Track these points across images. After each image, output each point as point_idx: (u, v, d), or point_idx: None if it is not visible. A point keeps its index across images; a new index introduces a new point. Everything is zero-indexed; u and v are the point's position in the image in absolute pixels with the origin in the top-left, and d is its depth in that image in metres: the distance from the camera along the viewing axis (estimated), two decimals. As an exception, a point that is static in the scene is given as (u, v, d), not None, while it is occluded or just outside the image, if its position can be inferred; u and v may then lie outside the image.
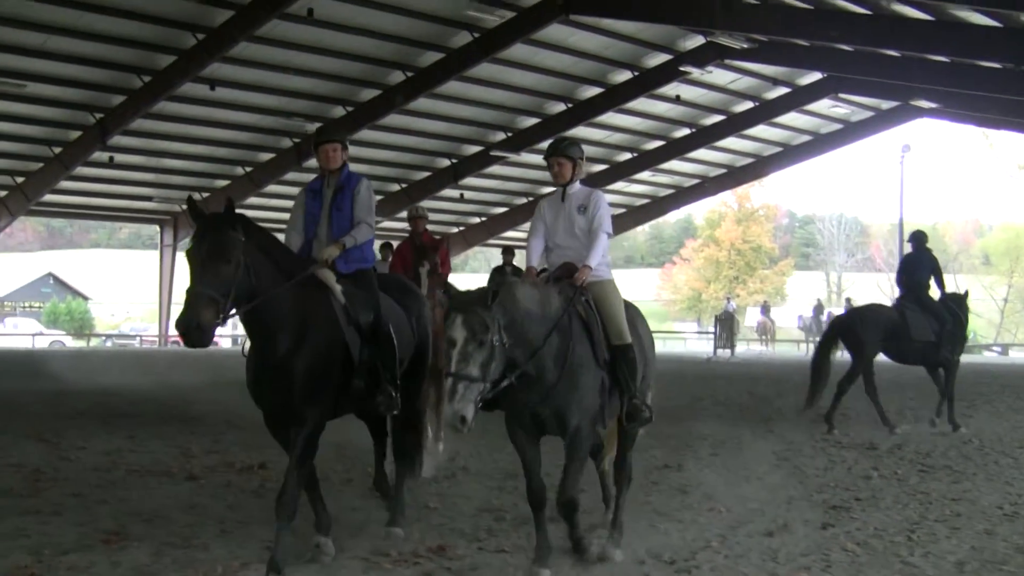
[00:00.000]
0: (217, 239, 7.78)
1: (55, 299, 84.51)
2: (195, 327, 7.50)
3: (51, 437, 14.01)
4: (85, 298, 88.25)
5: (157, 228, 53.21)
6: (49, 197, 44.93)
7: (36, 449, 13.11)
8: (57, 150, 40.58)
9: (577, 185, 9.07)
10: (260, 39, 33.29)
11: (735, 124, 47.12)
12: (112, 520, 9.03)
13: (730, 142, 49.95)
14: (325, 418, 8.44)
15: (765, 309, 62.17)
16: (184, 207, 48.47)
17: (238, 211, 8.15)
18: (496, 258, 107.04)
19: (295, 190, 38.76)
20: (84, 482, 10.88)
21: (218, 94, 36.70)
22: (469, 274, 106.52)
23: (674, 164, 51.77)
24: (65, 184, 43.53)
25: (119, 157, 41.86)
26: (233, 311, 7.93)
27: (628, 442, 9.30)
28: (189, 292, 7.61)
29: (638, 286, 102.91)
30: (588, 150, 38.18)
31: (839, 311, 56.47)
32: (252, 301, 7.95)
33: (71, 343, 63.78)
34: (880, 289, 77.89)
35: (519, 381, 7.86)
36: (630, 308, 9.22)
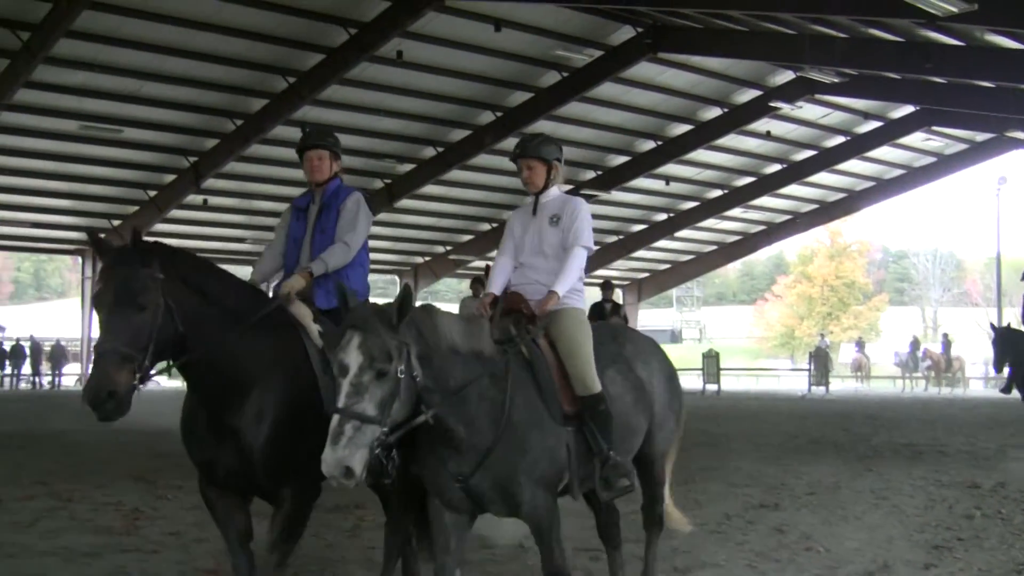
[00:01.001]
0: (125, 280, 6.38)
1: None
2: (106, 396, 6.05)
3: (149, 476, 14.15)
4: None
5: (249, 269, 53.90)
6: (144, 239, 45.45)
7: (135, 488, 13.24)
8: (152, 193, 41.23)
9: (553, 193, 7.75)
10: (350, 81, 33.65)
11: (827, 159, 46.70)
12: (210, 558, 9.07)
13: (822, 177, 49.51)
14: (312, 491, 7.13)
15: (860, 345, 61.36)
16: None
17: (154, 240, 6.89)
18: (588, 297, 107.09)
19: (388, 231, 39.06)
20: (181, 520, 10.95)
21: (309, 137, 37.01)
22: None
23: (765, 200, 51.38)
24: (160, 227, 44.13)
25: (212, 199, 42.42)
26: (154, 371, 6.50)
27: (653, 485, 8.00)
28: (95, 350, 6.23)
29: (730, 323, 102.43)
30: (678, 188, 38.14)
31: (936, 347, 55.91)
32: (186, 353, 6.55)
33: (166, 383, 64.41)
34: (978, 325, 76.57)
35: (442, 440, 6.41)
36: (638, 341, 7.96)
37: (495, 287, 7.58)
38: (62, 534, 10.01)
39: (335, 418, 5.81)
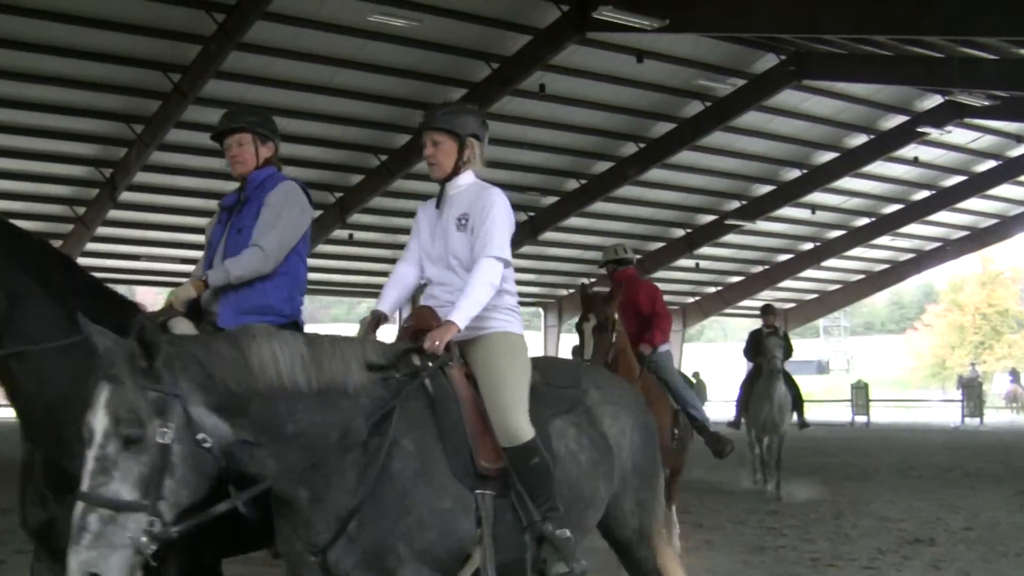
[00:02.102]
0: None
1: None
2: None
3: None
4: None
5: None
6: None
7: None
8: (301, 229, 41.83)
9: (464, 181, 6.23)
10: (493, 115, 33.74)
11: (977, 184, 45.69)
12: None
13: (972, 203, 48.43)
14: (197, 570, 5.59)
15: (1014, 375, 59.83)
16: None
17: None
18: (733, 327, 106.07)
19: (530, 263, 39.16)
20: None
21: (453, 171, 37.32)
22: (704, 343, 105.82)
23: (914, 228, 50.42)
24: (307, 262, 44.82)
25: (358, 234, 42.93)
26: None
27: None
28: None
29: (878, 354, 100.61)
30: (824, 216, 37.51)
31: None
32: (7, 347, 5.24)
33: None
34: None
35: (278, 506, 5.11)
36: (608, 386, 6.33)
37: (385, 303, 6.23)
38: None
39: (77, 506, 4.30)
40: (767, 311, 18.92)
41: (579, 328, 10.01)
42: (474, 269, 5.82)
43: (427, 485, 5.17)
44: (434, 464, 5.24)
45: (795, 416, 17.77)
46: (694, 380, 41.46)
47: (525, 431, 5.44)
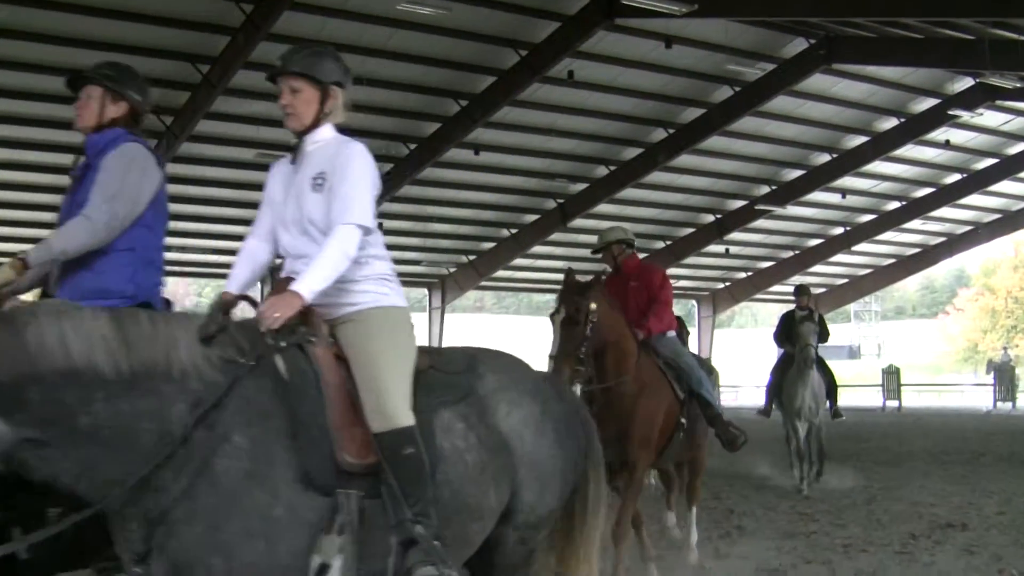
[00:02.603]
0: None
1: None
2: None
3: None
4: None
5: (425, 291, 54.34)
6: None
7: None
8: (332, 217, 41.96)
9: (326, 134, 5.58)
10: (522, 103, 33.82)
11: (1009, 167, 45.39)
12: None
13: (1004, 186, 48.14)
14: None
15: (1048, 359, 59.49)
16: (451, 270, 49.58)
17: None
18: (764, 313, 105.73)
19: (561, 251, 39.29)
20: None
21: (482, 158, 37.40)
22: (735, 329, 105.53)
23: (945, 211, 50.14)
24: (337, 251, 44.98)
25: (388, 223, 42.95)
26: None
27: None
28: None
29: (910, 338, 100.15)
30: (855, 200, 37.37)
31: None
32: None
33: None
34: None
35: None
36: (508, 372, 5.45)
37: (232, 283, 5.37)
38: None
39: None
40: (801, 292, 17.51)
41: (551, 319, 9.28)
42: (330, 236, 5.06)
43: (258, 488, 4.41)
44: (271, 464, 4.48)
45: (828, 404, 16.67)
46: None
47: (402, 414, 4.80)
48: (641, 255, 45.05)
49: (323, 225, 5.15)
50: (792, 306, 17.41)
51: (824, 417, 16.48)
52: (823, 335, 16.38)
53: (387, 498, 4.74)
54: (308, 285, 4.92)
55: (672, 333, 10.04)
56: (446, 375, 5.21)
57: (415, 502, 4.72)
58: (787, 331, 16.64)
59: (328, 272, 4.98)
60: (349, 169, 5.27)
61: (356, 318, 5.13)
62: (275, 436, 4.56)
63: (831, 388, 16.63)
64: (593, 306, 8.87)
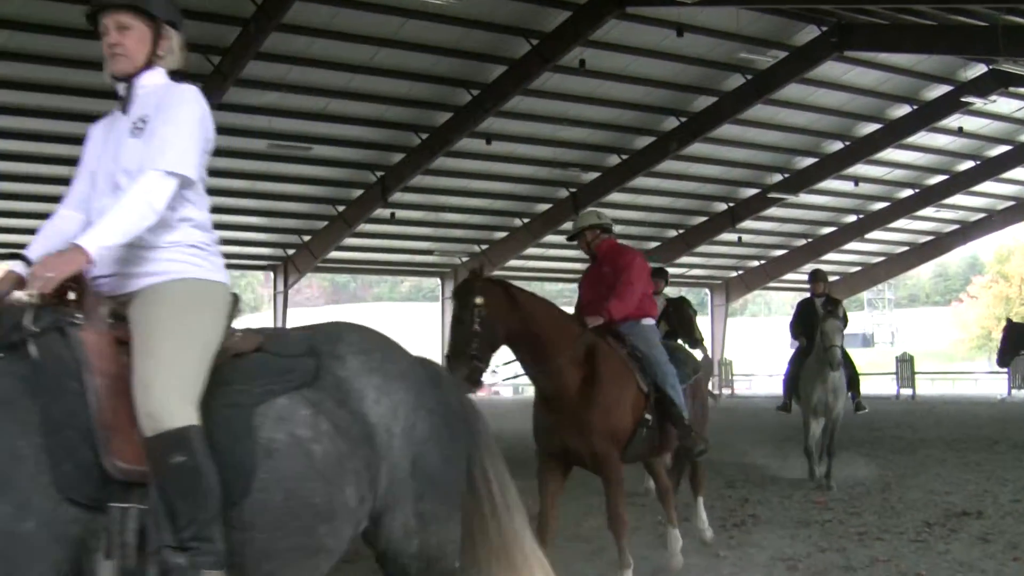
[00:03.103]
0: None
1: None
2: None
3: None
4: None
5: (438, 281, 54.31)
6: (334, 254, 46.55)
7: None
8: (341, 208, 42.02)
9: (157, 79, 4.54)
10: (533, 92, 33.80)
11: (1022, 154, 45.26)
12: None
13: (1018, 173, 47.95)
14: None
15: (1062, 346, 59.25)
16: (464, 260, 49.57)
17: None
18: (777, 301, 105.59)
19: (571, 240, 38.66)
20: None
21: (494, 148, 37.38)
22: (748, 318, 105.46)
23: (958, 199, 50.02)
24: (349, 241, 45.02)
25: (400, 213, 42.99)
26: None
27: None
28: None
29: (924, 326, 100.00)
30: (868, 188, 37.38)
31: None
32: None
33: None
34: None
35: None
36: (376, 351, 4.62)
37: (31, 252, 4.33)
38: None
39: None
40: (816, 277, 16.41)
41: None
42: (136, 183, 4.19)
43: None
44: (9, 470, 3.63)
45: (850, 396, 15.63)
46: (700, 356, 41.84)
47: (172, 414, 3.86)
48: (653, 244, 45.06)
49: (133, 173, 4.26)
50: (807, 294, 16.62)
51: (846, 409, 15.41)
52: (844, 327, 15.36)
53: (152, 517, 3.82)
54: (96, 238, 4.01)
55: (649, 321, 9.40)
56: (281, 358, 4.33)
57: (187, 523, 3.78)
58: (803, 321, 15.69)
59: (124, 225, 4.08)
60: (174, 111, 4.36)
61: (147, 293, 4.20)
62: (15, 437, 3.68)
63: (852, 379, 15.61)
64: (479, 301, 8.35)
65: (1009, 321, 22.09)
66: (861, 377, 16.43)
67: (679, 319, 14.93)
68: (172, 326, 4.06)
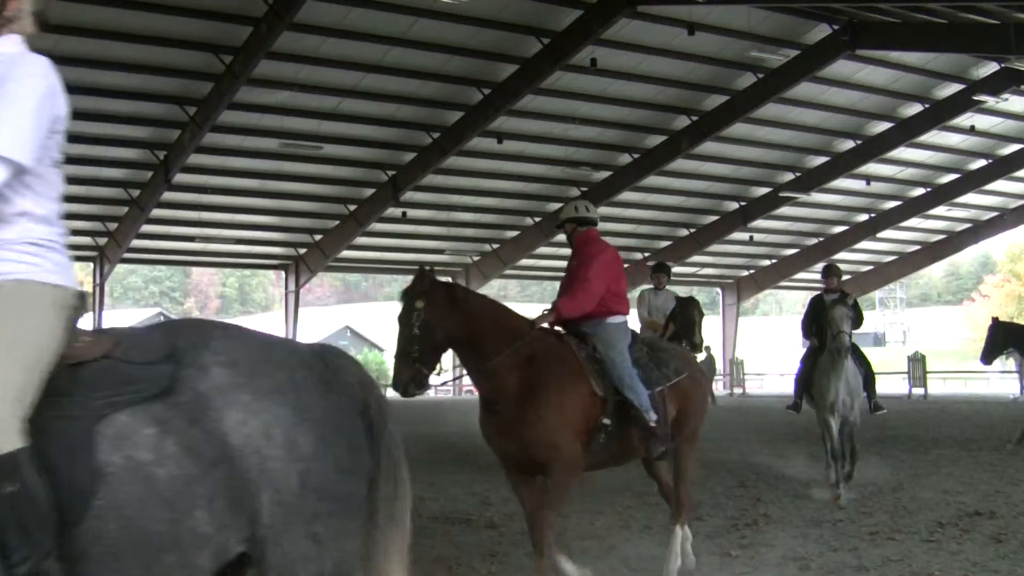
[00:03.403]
0: None
1: (352, 351, 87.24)
2: None
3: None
4: (380, 349, 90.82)
5: (449, 280, 54.23)
6: (345, 253, 46.59)
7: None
8: (352, 207, 42.06)
9: (6, 46, 3.74)
10: (544, 91, 33.81)
11: (1035, 153, 45.20)
12: (415, 566, 9.15)
13: (1030, 171, 47.94)
14: None
15: (1075, 345, 59.07)
16: (475, 259, 49.59)
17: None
18: (789, 300, 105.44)
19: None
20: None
21: (505, 147, 37.39)
22: (760, 317, 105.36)
23: (970, 197, 49.96)
24: (360, 240, 45.05)
25: (411, 212, 43.03)
26: None
27: None
28: None
29: (935, 325, 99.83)
30: (879, 187, 37.37)
31: None
32: None
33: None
34: None
35: None
36: (246, 354, 3.94)
37: None
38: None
39: None
40: (829, 272, 15.35)
41: None
42: None
43: None
44: None
45: (865, 397, 14.45)
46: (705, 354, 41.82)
47: None
48: (665, 243, 45.01)
49: None
50: (818, 292, 15.42)
51: (862, 410, 14.39)
52: (857, 320, 14.30)
53: None
54: None
55: (616, 319, 9.04)
56: (129, 366, 3.70)
57: (21, 559, 3.33)
58: (816, 319, 14.56)
59: None
60: (13, 84, 3.61)
61: None
62: None
63: (868, 378, 14.52)
64: (419, 304, 8.22)
65: (994, 320, 21.99)
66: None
67: (681, 320, 14.48)
68: None
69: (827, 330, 13.83)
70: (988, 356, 21.37)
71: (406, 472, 4.43)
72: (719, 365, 61.80)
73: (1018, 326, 22.17)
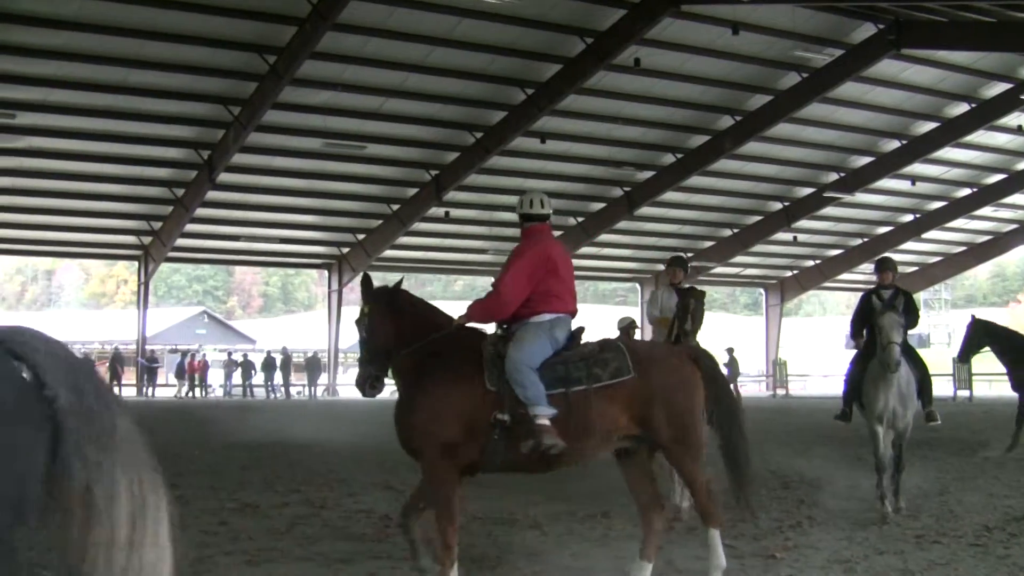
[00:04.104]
0: None
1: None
2: None
3: (397, 485, 14.36)
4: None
5: (491, 280, 54.11)
6: (388, 252, 46.67)
7: (384, 496, 13.45)
8: (395, 207, 42.14)
9: None
10: (588, 90, 33.79)
11: (1083, 153, 44.79)
12: (459, 566, 9.16)
13: (1079, 172, 47.49)
14: None
15: (1122, 347, 58.54)
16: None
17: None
18: (832, 301, 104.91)
19: (626, 239, 39.20)
20: (430, 529, 11.07)
21: (548, 147, 37.40)
22: (803, 318, 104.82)
23: (1017, 198, 49.55)
24: (403, 239, 45.12)
25: (454, 212, 43.08)
26: None
27: None
28: None
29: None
30: (925, 187, 37.27)
31: None
32: None
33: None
34: None
35: None
36: None
37: None
38: (317, 540, 10.25)
39: None
40: (883, 266, 14.12)
41: None
42: None
43: None
44: None
45: (920, 404, 12.98)
46: (727, 355, 41.77)
47: None
48: (708, 243, 44.77)
49: None
50: (870, 288, 14.14)
51: (915, 417, 12.95)
52: (912, 319, 12.98)
53: None
54: None
55: (542, 317, 8.51)
56: None
57: None
58: (865, 318, 13.19)
59: None
60: None
61: None
62: None
63: (923, 384, 13.00)
64: (365, 309, 8.56)
65: (973, 317, 21.73)
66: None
67: (678, 310, 13.70)
68: None
69: (876, 338, 12.40)
70: (965, 354, 21.28)
71: (133, 468, 3.18)
72: (763, 366, 61.65)
73: (996, 325, 21.75)
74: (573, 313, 8.84)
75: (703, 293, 13.90)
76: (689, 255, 50.89)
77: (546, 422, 8.01)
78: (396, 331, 8.37)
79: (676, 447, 8.31)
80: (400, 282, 8.84)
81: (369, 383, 8.41)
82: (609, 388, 8.16)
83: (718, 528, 8.24)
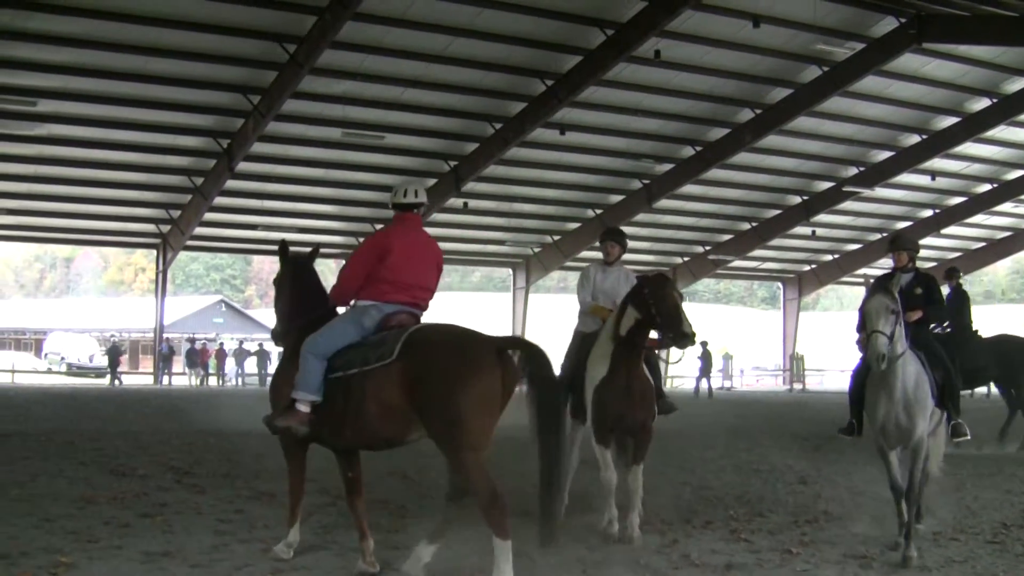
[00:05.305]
0: None
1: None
2: None
3: (413, 475, 14.36)
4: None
5: (509, 271, 54.31)
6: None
7: (399, 486, 13.46)
8: (414, 197, 42.10)
9: None
10: (607, 82, 33.72)
11: (1104, 149, 44.55)
12: (477, 557, 9.14)
13: (1100, 168, 47.26)
14: None
15: None
16: (536, 250, 49.55)
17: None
18: (850, 296, 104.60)
19: (644, 231, 39.15)
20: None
21: (568, 138, 37.34)
22: (820, 312, 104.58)
23: (1038, 194, 49.34)
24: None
25: (473, 202, 43.06)
26: None
27: None
28: None
29: (1000, 323, 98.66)
30: (945, 182, 37.22)
31: None
32: None
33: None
34: None
35: None
36: None
37: None
38: (332, 529, 10.26)
39: None
40: (895, 245, 11.25)
41: None
42: None
43: None
44: None
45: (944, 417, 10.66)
46: (701, 349, 41.46)
47: None
48: (726, 236, 44.74)
49: None
50: (886, 272, 11.27)
51: (936, 435, 10.80)
52: (935, 310, 10.98)
53: None
54: None
55: (359, 304, 8.65)
56: None
57: None
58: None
59: None
60: None
61: None
62: None
63: (945, 388, 10.30)
64: (278, 273, 9.36)
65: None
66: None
67: (660, 308, 10.73)
68: None
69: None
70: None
71: None
72: (780, 360, 61.53)
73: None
74: (411, 304, 8.85)
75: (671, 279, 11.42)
76: (707, 248, 50.86)
77: (303, 408, 8.30)
78: (288, 296, 9.11)
79: (440, 440, 7.90)
80: (315, 251, 9.44)
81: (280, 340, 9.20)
82: (376, 372, 8.04)
83: (505, 540, 7.78)
